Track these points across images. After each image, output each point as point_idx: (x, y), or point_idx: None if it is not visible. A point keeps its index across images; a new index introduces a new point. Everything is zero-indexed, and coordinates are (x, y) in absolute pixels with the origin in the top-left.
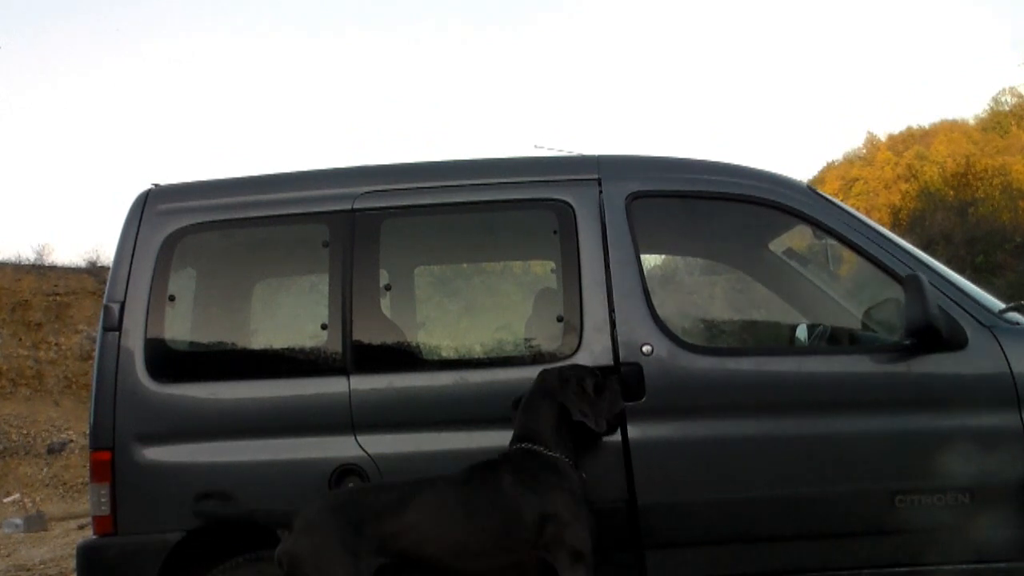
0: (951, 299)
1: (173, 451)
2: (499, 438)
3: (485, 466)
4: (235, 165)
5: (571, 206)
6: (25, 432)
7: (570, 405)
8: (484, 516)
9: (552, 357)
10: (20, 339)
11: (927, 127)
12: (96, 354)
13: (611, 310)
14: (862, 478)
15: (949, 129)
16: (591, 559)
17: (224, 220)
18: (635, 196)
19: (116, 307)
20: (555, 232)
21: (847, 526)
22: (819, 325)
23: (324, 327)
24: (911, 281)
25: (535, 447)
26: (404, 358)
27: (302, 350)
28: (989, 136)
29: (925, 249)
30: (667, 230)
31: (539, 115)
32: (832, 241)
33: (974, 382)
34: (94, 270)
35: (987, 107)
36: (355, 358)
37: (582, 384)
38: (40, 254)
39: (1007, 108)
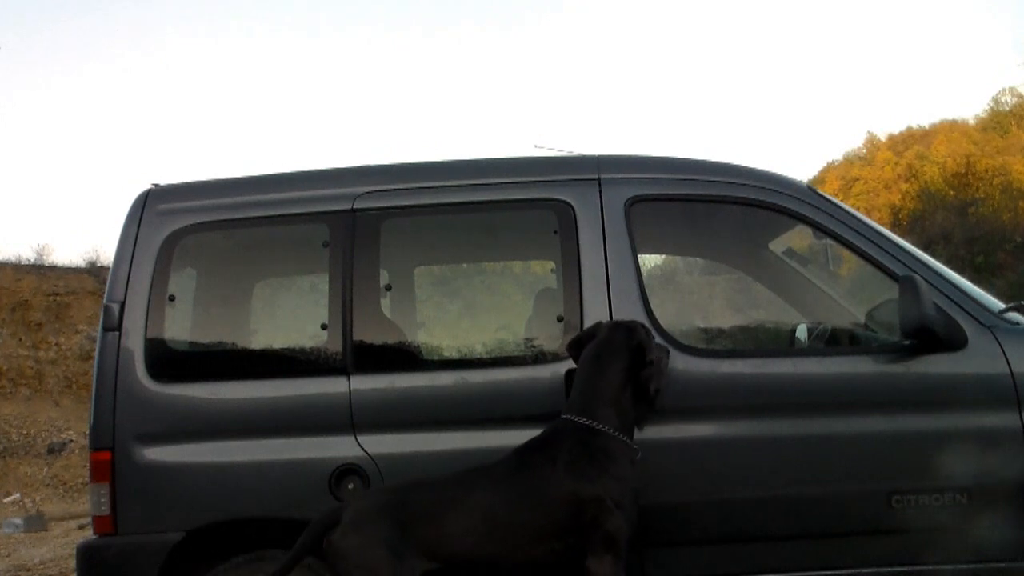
0: (951, 299)
1: (173, 451)
2: (499, 438)
3: (535, 450)
4: (235, 165)
5: (571, 206)
6: (25, 432)
7: (646, 349)
8: (533, 509)
9: (552, 357)
10: (20, 339)
11: (927, 127)
12: (96, 354)
13: (610, 314)
14: (857, 478)
15: (949, 129)
16: (623, 550)
17: (224, 220)
18: (634, 200)
19: (116, 307)
20: (555, 232)
21: (844, 526)
22: (819, 325)
23: (324, 327)
24: (906, 282)
25: (591, 423)
26: (404, 358)
27: (302, 350)
28: (989, 136)
29: (925, 249)
30: (666, 232)
31: (539, 115)
32: (832, 241)
33: (974, 382)
34: (94, 270)
35: (987, 107)
36: (355, 358)
37: (649, 334)
38: (40, 254)
39: (1007, 108)
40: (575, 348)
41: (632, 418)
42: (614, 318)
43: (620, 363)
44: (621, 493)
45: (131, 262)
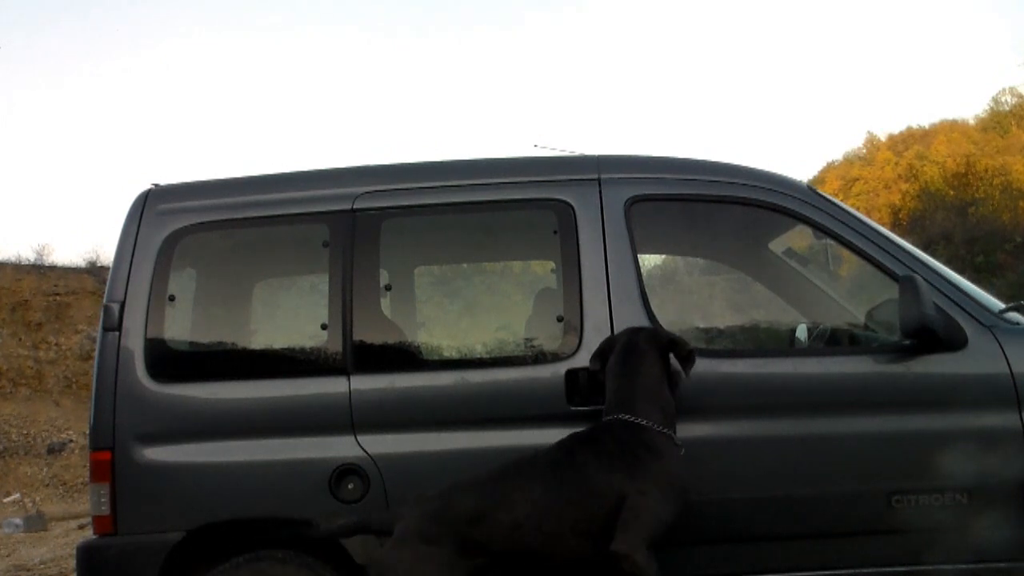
0: (951, 299)
1: (173, 451)
2: (499, 438)
3: (580, 443)
4: (235, 165)
5: (571, 206)
6: (25, 432)
7: (680, 343)
8: (577, 502)
9: (552, 357)
10: (20, 339)
11: (927, 127)
12: (96, 354)
13: (610, 313)
14: (858, 478)
15: (949, 129)
16: (650, 535)
17: (224, 220)
18: (634, 200)
19: (116, 307)
20: (555, 232)
21: (844, 526)
22: (819, 325)
23: (324, 327)
24: (906, 282)
25: (635, 420)
26: (404, 358)
27: (302, 350)
28: (989, 136)
29: (925, 249)
30: (666, 232)
31: (539, 115)
32: (832, 241)
33: (974, 382)
34: (94, 270)
35: (987, 107)
36: (355, 358)
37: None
38: (40, 254)
39: (1007, 108)
40: (599, 359)
41: (673, 411)
42: (614, 318)
43: (652, 358)
44: (667, 488)
45: (131, 262)
